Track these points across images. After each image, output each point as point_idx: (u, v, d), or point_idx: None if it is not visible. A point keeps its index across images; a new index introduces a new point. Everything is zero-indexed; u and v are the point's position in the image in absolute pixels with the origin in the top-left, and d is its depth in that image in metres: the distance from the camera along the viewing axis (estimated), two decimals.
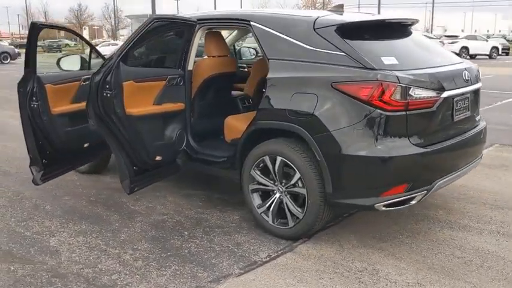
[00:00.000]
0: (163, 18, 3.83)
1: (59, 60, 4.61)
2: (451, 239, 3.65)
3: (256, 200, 3.79)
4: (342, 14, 3.94)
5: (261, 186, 3.74)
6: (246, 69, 5.85)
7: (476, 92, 3.81)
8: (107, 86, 3.43)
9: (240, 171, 3.89)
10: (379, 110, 3.13)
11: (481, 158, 3.99)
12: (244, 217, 4.07)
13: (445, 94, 3.33)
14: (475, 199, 4.46)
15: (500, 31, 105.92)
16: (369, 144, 3.17)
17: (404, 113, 3.16)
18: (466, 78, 3.59)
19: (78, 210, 4.28)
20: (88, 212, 4.25)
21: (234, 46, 6.18)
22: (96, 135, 4.36)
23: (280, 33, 3.64)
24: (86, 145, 4.46)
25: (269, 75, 3.59)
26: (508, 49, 34.60)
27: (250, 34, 4.27)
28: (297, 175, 3.46)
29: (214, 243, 3.62)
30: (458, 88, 3.48)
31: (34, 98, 3.96)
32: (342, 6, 4.04)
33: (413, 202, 3.33)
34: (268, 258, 3.37)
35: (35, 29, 3.84)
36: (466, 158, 3.70)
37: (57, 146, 4.21)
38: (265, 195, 3.78)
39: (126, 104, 3.53)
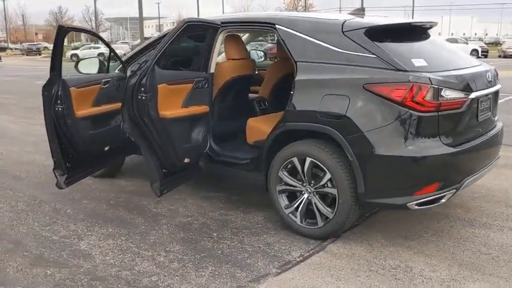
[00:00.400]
0: (194, 21, 3.85)
1: (77, 63, 4.59)
2: (474, 236, 3.75)
3: (283, 200, 3.83)
4: (363, 17, 4.02)
5: (289, 187, 3.79)
6: (256, 72, 5.89)
7: (496, 93, 3.93)
8: (142, 89, 3.45)
9: (265, 172, 3.94)
10: (412, 111, 3.21)
11: (498, 158, 4.11)
12: (269, 218, 4.12)
13: (473, 95, 3.44)
14: (489, 197, 4.58)
15: (475, 34, 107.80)
16: (402, 144, 3.25)
17: (436, 113, 3.25)
18: (489, 79, 3.70)
19: (101, 214, 4.28)
20: (111, 215, 4.25)
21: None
22: (115, 139, 4.38)
23: (307, 36, 3.70)
24: (106, 148, 4.45)
25: (297, 78, 3.64)
26: (487, 51, 35.32)
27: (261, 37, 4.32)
28: (327, 176, 3.51)
29: (245, 243, 3.65)
30: (483, 89, 3.59)
31: (59, 102, 3.94)
32: (363, 9, 4.13)
33: (443, 201, 3.42)
34: (301, 258, 3.42)
35: (62, 32, 3.83)
36: (488, 157, 3.81)
37: (79, 149, 4.20)
38: (292, 196, 3.83)
39: (160, 107, 3.55)
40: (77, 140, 4.13)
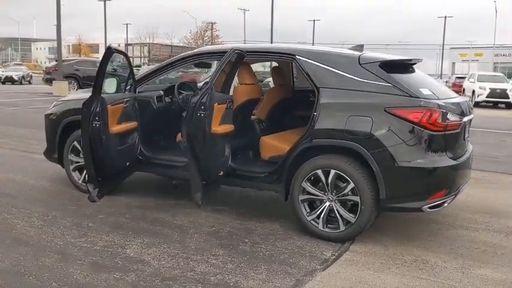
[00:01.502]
0: (240, 50, 4.31)
1: None
2: (460, 236, 4.52)
3: (305, 209, 4.34)
4: (363, 52, 4.74)
5: (312, 196, 4.32)
6: None
7: (471, 119, 4.80)
8: (202, 107, 3.83)
9: (285, 184, 4.44)
10: (426, 130, 3.93)
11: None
12: (284, 226, 4.59)
13: (465, 119, 4.25)
14: (459, 206, 5.41)
15: None
16: (419, 157, 3.95)
17: (443, 132, 4.00)
18: (469, 107, 4.56)
19: (126, 226, 4.47)
20: (136, 227, 4.46)
21: None
22: (133, 155, 4.66)
23: (328, 66, 4.33)
24: (127, 164, 4.68)
25: (322, 101, 4.22)
26: None
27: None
28: (351, 185, 4.10)
29: (278, 247, 4.10)
30: (467, 115, 4.43)
31: (97, 118, 4.16)
32: (362, 46, 4.84)
33: (445, 205, 4.15)
34: (334, 256, 3.94)
35: (109, 53, 4.09)
36: (469, 170, 4.64)
37: (109, 164, 4.40)
38: (312, 204, 4.36)
39: (212, 124, 3.94)
40: (108, 155, 4.35)
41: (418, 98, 4.01)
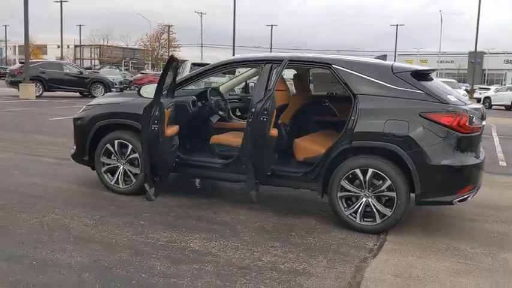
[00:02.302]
0: (293, 58, 4.71)
1: (139, 88, 5.09)
2: (474, 227, 5.08)
3: (343, 205, 4.77)
4: (386, 61, 5.23)
5: (349, 193, 4.75)
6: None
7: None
8: (265, 112, 4.18)
9: (322, 182, 4.86)
10: (457, 133, 4.45)
11: None
12: (320, 221, 5.01)
13: (484, 122, 4.81)
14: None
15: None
16: (449, 157, 4.46)
17: (469, 135, 4.53)
18: (484, 113, 5.13)
19: (176, 224, 4.74)
20: (187, 224, 4.74)
21: (246, 82, 7.06)
22: (175, 157, 4.96)
23: (363, 74, 4.78)
24: (174, 165, 4.96)
25: (361, 107, 4.67)
26: None
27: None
28: (388, 182, 4.56)
29: (324, 239, 4.50)
30: (483, 120, 4.99)
31: (156, 122, 4.44)
32: (385, 56, 5.35)
33: (469, 199, 4.68)
34: (377, 246, 4.39)
35: (172, 61, 4.38)
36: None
37: (162, 165, 4.68)
38: (349, 200, 4.79)
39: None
40: (163, 157, 4.62)
41: (448, 104, 4.53)
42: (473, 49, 45.75)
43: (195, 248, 4.12)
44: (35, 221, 4.62)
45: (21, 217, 4.73)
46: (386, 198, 4.63)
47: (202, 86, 7.61)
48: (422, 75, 4.84)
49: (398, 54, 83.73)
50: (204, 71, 5.44)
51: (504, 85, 43.19)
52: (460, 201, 4.56)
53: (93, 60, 79.05)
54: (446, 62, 68.38)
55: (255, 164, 4.47)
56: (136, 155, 5.52)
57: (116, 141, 5.61)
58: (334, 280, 3.61)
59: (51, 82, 22.40)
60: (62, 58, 53.55)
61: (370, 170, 4.61)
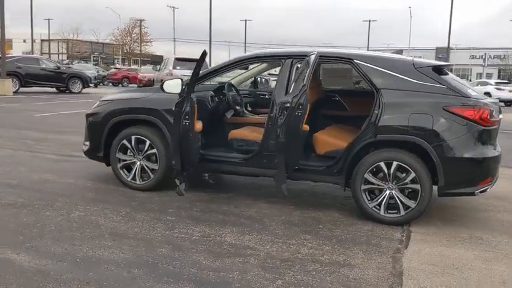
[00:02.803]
0: (322, 54, 4.77)
1: (162, 84, 5.08)
2: (489, 217, 5.26)
3: (366, 197, 4.88)
4: (413, 57, 5.34)
5: (373, 186, 4.86)
6: (266, 96, 6.83)
7: None
8: (300, 107, 4.24)
9: (345, 175, 4.95)
10: (478, 126, 4.60)
11: None
12: (343, 214, 5.11)
13: (500, 116, 4.98)
14: None
15: (276, 71, 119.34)
16: (472, 149, 4.62)
17: (490, 128, 4.70)
18: (499, 106, 5.31)
19: (203, 218, 4.76)
20: (214, 218, 4.77)
21: (255, 77, 7.08)
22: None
23: (385, 69, 4.88)
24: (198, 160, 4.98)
25: (385, 101, 4.77)
26: None
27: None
28: (412, 175, 4.68)
29: (352, 231, 4.60)
30: (500, 113, 5.17)
31: (187, 117, 4.44)
32: (401, 51, 5.47)
33: (488, 190, 4.84)
34: (405, 237, 4.51)
35: (205, 55, 4.38)
36: None
37: (191, 160, 4.69)
38: (372, 193, 4.90)
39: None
40: (192, 152, 4.63)
41: (469, 97, 4.68)
42: (440, 45, 46.67)
43: (231, 242, 4.16)
44: (61, 218, 4.58)
45: (46, 214, 4.67)
46: (410, 190, 4.75)
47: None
48: (441, 70, 4.97)
49: (368, 50, 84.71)
50: (224, 65, 5.45)
51: (470, 80, 44.41)
52: (480, 192, 4.73)
53: (60, 55, 77.26)
54: (415, 57, 69.63)
55: (286, 158, 4.52)
56: (154, 150, 5.51)
57: (133, 137, 5.59)
58: (376, 271, 3.71)
59: (28, 77, 21.88)
60: (32, 53, 52.16)
61: (395, 163, 4.72)
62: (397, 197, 4.77)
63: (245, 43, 60.86)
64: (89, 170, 6.61)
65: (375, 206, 4.84)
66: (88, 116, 5.96)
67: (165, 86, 5.12)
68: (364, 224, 4.81)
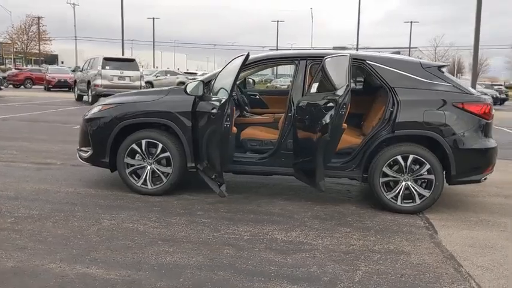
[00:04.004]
0: (330, 55, 5.01)
1: (186, 86, 5.07)
2: (491, 202, 5.84)
3: (384, 189, 5.22)
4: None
5: (390, 179, 5.21)
6: (257, 97, 6.97)
7: None
8: (344, 106, 4.44)
9: (362, 170, 5.27)
10: (484, 120, 5.13)
11: None
12: (360, 207, 5.41)
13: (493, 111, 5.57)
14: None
15: (188, 69, 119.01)
16: (479, 141, 5.14)
17: (491, 121, 5.24)
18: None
19: (237, 218, 4.81)
20: (246, 218, 4.83)
21: (245, 78, 7.14)
22: None
23: (397, 69, 5.26)
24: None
25: (401, 98, 5.14)
26: None
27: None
28: (427, 166, 5.10)
29: (379, 221, 4.91)
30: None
31: (228, 119, 4.49)
32: (399, 52, 5.90)
33: (487, 177, 5.39)
34: (427, 224, 4.91)
35: (248, 58, 4.44)
36: None
37: (227, 162, 4.72)
38: (388, 185, 5.26)
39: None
40: (229, 154, 4.67)
41: (473, 94, 5.19)
42: (336, 44, 48.94)
43: (283, 239, 4.28)
44: (97, 228, 4.41)
45: (75, 225, 4.47)
46: (424, 180, 5.15)
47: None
48: (443, 69, 5.45)
49: (270, 49, 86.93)
50: (226, 65, 5.49)
51: None
52: (484, 179, 5.26)
53: None
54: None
55: (325, 155, 4.72)
56: (167, 154, 5.44)
57: (144, 141, 5.47)
58: (430, 255, 4.03)
59: None
60: None
61: (411, 156, 5.10)
62: (413, 187, 5.15)
63: (153, 42, 59.69)
64: (79, 176, 6.36)
65: (392, 198, 5.19)
66: (89, 120, 5.72)
67: (188, 89, 5.10)
68: (384, 214, 5.15)
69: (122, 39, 38.79)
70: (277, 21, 60.79)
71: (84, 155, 5.78)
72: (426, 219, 5.05)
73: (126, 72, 18.60)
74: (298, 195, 5.79)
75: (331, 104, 4.57)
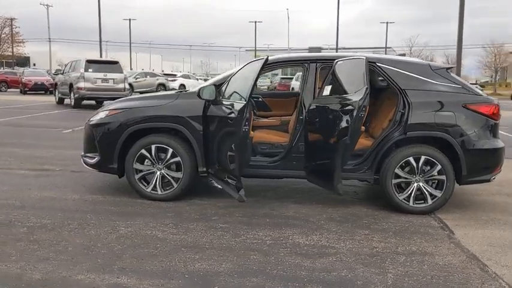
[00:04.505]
0: (345, 59, 5.04)
1: (199, 90, 5.03)
2: (497, 201, 5.94)
3: (396, 191, 5.26)
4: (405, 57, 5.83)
5: (402, 180, 5.25)
6: (260, 99, 6.94)
7: None
8: (363, 109, 4.45)
9: (374, 171, 5.30)
10: (492, 120, 5.22)
11: None
12: (373, 209, 5.43)
13: None
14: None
15: (163, 70, 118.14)
16: (488, 141, 5.22)
17: (498, 122, 5.33)
18: None
19: (255, 223, 4.78)
20: (263, 222, 4.81)
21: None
22: None
23: (407, 71, 5.31)
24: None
25: (412, 100, 5.19)
26: None
27: None
28: (438, 167, 5.16)
29: (395, 222, 4.94)
30: None
31: (246, 123, 4.46)
32: (404, 54, 5.96)
33: (495, 177, 5.48)
34: (442, 224, 4.96)
35: (267, 61, 4.41)
36: None
37: (243, 165, 4.69)
38: (399, 186, 5.29)
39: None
40: (248, 157, 4.65)
41: (481, 95, 5.27)
42: (312, 45, 49.26)
43: (306, 243, 4.27)
44: (115, 236, 4.33)
45: (92, 234, 4.38)
46: (435, 181, 5.21)
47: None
48: (450, 71, 5.52)
49: (246, 50, 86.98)
50: (240, 69, 5.45)
51: None
52: (493, 178, 5.35)
53: None
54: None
55: (343, 158, 4.72)
56: (178, 158, 5.38)
57: (154, 146, 5.40)
58: (453, 256, 4.07)
59: None
60: None
61: (423, 157, 5.15)
62: (424, 188, 5.20)
63: (130, 43, 59.03)
64: (81, 183, 6.26)
65: (404, 198, 5.23)
66: (95, 126, 5.61)
67: (201, 93, 5.05)
68: (397, 215, 5.18)
69: (100, 41, 38.27)
70: (255, 22, 60.86)
71: (90, 161, 5.67)
72: (439, 219, 5.10)
73: (110, 75, 18.33)
74: (307, 198, 5.79)
75: (350, 107, 4.58)
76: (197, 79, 39.92)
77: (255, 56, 72.23)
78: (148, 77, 33.02)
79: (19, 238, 4.21)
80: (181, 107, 5.37)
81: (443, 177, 5.15)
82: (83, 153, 5.89)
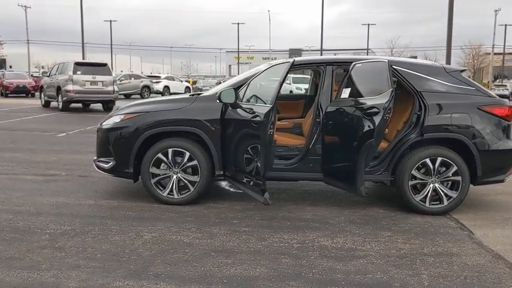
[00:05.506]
0: (360, 61, 5.07)
1: (220, 94, 5.01)
2: (497, 199, 6.05)
3: (412, 192, 5.32)
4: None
5: (418, 181, 5.31)
6: None
7: None
8: (388, 111, 4.49)
9: (390, 172, 5.36)
10: (505, 121, 5.32)
11: None
12: (388, 210, 5.48)
13: None
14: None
15: (142, 72, 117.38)
16: (502, 142, 5.31)
17: (511, 123, 5.44)
18: None
19: (276, 226, 4.80)
20: (284, 225, 4.83)
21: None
22: None
23: (422, 74, 5.37)
24: None
25: (429, 102, 5.25)
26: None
27: None
28: (454, 168, 5.23)
29: (414, 224, 4.99)
30: None
31: (271, 126, 4.46)
32: (416, 57, 6.03)
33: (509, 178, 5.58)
34: (459, 225, 5.04)
35: (293, 65, 4.42)
36: None
37: (267, 168, 4.69)
38: (415, 188, 5.35)
39: None
40: (271, 160, 4.65)
41: (495, 97, 5.37)
42: (292, 46, 48.97)
43: (332, 246, 4.30)
44: (141, 242, 4.29)
45: (116, 240, 4.34)
46: (451, 182, 5.28)
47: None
48: (463, 74, 5.61)
49: (227, 52, 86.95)
50: (261, 72, 5.46)
51: None
52: (507, 179, 5.45)
53: None
54: (272, 58, 73.01)
55: (367, 160, 4.75)
56: (194, 162, 5.36)
57: (170, 150, 5.37)
58: (479, 256, 4.14)
59: None
60: None
61: (439, 159, 5.22)
62: (440, 189, 5.27)
63: (111, 45, 58.46)
64: (92, 188, 6.20)
65: (420, 200, 5.29)
66: (109, 130, 5.56)
67: (222, 96, 5.04)
68: (413, 216, 5.24)
69: (82, 43, 37.78)
70: (238, 24, 60.78)
71: (105, 166, 5.61)
72: (456, 220, 5.17)
73: (99, 77, 18.12)
74: (321, 200, 5.82)
75: (375, 109, 4.61)
76: (181, 81, 39.71)
77: (238, 58, 72.56)
78: (132, 79, 32.72)
79: (43, 245, 4.14)
80: (199, 111, 5.35)
81: (458, 178, 5.23)
82: (95, 157, 5.82)
